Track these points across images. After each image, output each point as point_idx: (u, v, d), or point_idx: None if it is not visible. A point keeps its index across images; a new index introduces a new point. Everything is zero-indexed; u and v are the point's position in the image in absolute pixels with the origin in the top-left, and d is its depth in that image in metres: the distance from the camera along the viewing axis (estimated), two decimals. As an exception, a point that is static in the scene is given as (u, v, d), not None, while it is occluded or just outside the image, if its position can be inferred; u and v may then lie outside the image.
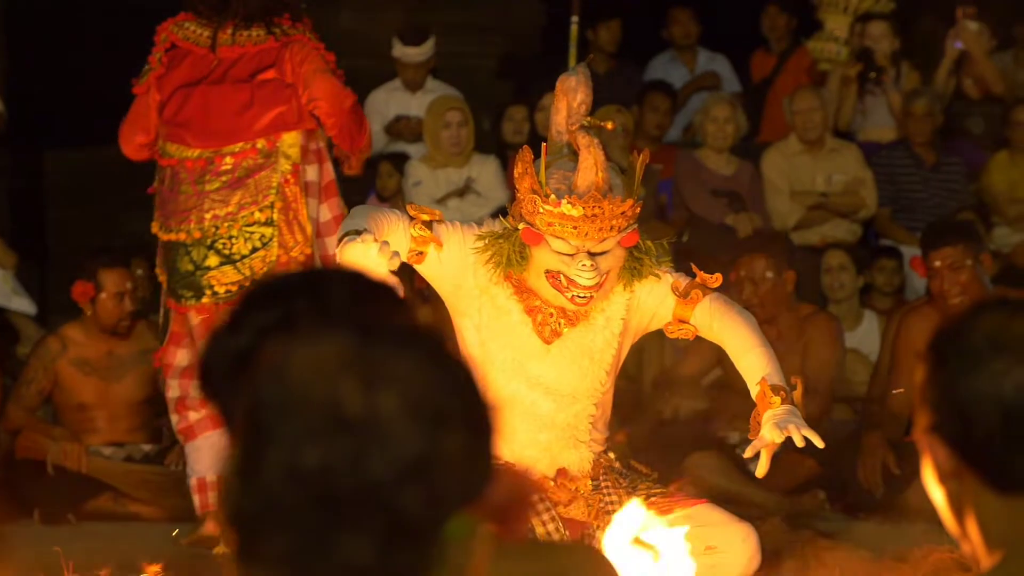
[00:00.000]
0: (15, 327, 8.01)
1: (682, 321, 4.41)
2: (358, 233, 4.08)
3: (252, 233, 5.65)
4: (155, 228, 5.80)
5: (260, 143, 5.70)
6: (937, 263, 6.37)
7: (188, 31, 5.82)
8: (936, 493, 2.07)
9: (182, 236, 5.70)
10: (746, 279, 6.71)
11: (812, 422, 4.36)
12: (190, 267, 5.68)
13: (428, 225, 4.34)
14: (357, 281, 2.15)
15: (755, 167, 8.54)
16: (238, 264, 5.65)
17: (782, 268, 6.76)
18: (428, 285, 4.66)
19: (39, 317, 8.21)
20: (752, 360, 4.30)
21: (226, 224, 5.66)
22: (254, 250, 5.66)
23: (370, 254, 4.02)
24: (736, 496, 6.15)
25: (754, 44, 9.71)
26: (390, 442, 1.61)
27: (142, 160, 5.90)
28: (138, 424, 6.97)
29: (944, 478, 2.05)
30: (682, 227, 8.27)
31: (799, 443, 4.12)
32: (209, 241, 5.68)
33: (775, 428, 4.13)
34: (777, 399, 4.18)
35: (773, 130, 9.07)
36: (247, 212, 5.65)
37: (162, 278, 5.85)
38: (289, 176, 5.69)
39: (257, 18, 5.74)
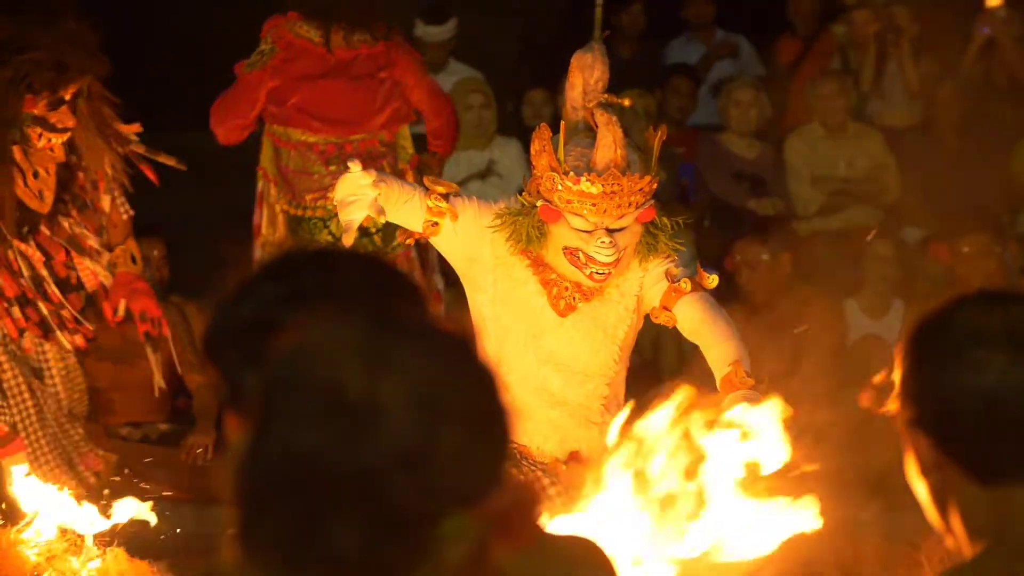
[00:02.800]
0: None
1: (666, 308, 4.36)
2: None
3: None
4: (284, 205, 6.53)
5: (382, 135, 6.51)
6: (965, 249, 6.32)
7: (300, 29, 6.45)
8: (919, 486, 2.09)
9: (319, 212, 6.42)
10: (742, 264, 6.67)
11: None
12: (329, 239, 6.33)
13: (444, 197, 4.35)
14: (368, 262, 2.13)
15: (779, 151, 8.50)
16: (372, 236, 6.39)
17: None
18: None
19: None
20: (727, 348, 4.17)
21: None
22: (386, 224, 6.19)
23: (355, 178, 4.12)
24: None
25: (781, 29, 9.66)
26: (387, 430, 1.58)
27: (232, 142, 6.53)
28: (155, 405, 6.97)
29: (927, 471, 2.07)
30: (704, 211, 8.24)
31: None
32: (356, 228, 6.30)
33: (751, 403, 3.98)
34: (750, 381, 4.07)
35: (799, 115, 9.01)
36: None
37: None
38: (406, 165, 6.53)
39: (358, 24, 6.44)
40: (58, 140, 5.13)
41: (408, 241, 4.54)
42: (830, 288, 7.17)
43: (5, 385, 5.33)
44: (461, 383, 1.63)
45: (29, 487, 4.96)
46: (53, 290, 5.32)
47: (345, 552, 1.57)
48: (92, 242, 5.43)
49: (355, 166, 4.18)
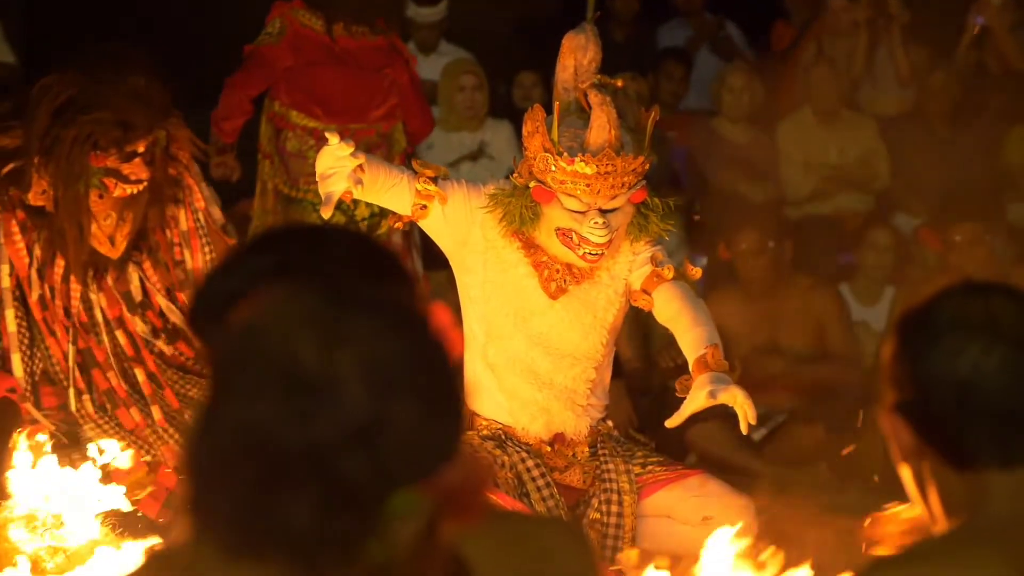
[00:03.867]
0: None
1: (645, 292, 4.36)
2: None
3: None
4: (279, 184, 6.73)
5: (379, 126, 6.72)
6: (957, 237, 6.32)
7: (303, 17, 6.67)
8: (902, 471, 2.11)
9: (310, 196, 6.60)
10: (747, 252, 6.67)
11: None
12: (319, 223, 6.28)
13: (433, 180, 4.35)
14: (355, 240, 2.13)
15: (772, 137, 8.50)
16: (358, 224, 6.57)
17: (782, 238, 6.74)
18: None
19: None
20: (703, 332, 4.16)
21: None
22: (372, 215, 6.62)
23: (334, 149, 4.12)
24: (738, 467, 6.12)
25: (774, 15, 9.66)
26: (339, 404, 1.59)
27: (238, 115, 6.69)
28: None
29: (908, 456, 2.09)
30: (695, 195, 8.23)
31: (752, 420, 3.99)
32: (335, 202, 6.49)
33: (740, 395, 3.98)
34: (725, 364, 4.06)
35: (793, 101, 9.00)
36: None
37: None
38: (398, 158, 6.68)
39: (361, 18, 6.65)
40: (133, 190, 5.10)
41: (397, 225, 4.52)
42: (821, 274, 7.18)
43: (52, 374, 5.29)
44: (415, 360, 1.63)
45: (20, 472, 4.94)
46: (103, 338, 5.27)
47: (296, 526, 1.57)
48: (160, 298, 5.29)
49: (333, 137, 4.15)
